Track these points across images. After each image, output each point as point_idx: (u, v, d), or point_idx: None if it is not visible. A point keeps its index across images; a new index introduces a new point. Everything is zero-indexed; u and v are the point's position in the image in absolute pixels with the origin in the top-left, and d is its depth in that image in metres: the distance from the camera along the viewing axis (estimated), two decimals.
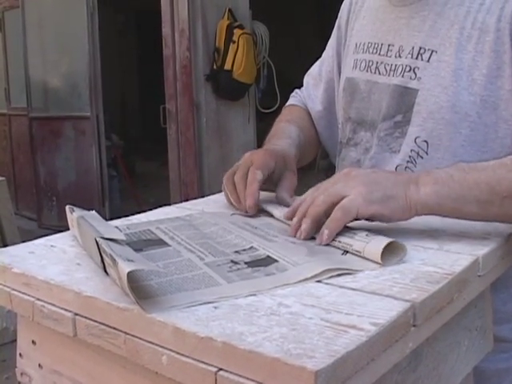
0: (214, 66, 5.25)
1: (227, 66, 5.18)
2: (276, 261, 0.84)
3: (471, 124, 1.11)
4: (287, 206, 1.08)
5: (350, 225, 0.92)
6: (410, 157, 1.16)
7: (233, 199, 1.15)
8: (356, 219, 0.92)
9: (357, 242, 0.88)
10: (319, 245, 0.91)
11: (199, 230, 1.01)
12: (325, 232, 0.91)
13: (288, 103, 1.57)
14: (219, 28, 5.24)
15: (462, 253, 0.87)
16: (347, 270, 0.81)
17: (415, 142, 1.16)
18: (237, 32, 5.19)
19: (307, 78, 1.55)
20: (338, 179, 0.97)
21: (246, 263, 0.84)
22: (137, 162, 9.38)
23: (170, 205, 1.26)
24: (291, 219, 0.98)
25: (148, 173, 9.38)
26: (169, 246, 0.93)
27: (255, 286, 0.76)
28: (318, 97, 1.49)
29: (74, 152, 6.48)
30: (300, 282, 0.78)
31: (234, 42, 5.15)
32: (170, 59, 5.33)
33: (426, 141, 1.15)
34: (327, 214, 0.93)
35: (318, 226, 0.94)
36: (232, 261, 0.85)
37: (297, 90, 1.59)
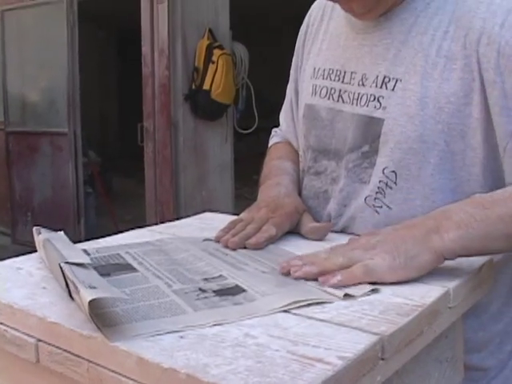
0: (193, 86, 5.25)
1: (206, 86, 5.18)
2: (244, 290, 0.83)
3: (440, 153, 1.10)
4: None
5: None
6: (378, 188, 1.15)
7: (232, 229, 1.11)
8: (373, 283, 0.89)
9: None
10: (322, 286, 0.87)
11: (169, 255, 1.00)
12: (337, 277, 0.87)
13: (271, 143, 1.56)
14: (199, 48, 5.25)
15: (433, 284, 0.87)
16: (316, 300, 0.80)
17: (383, 172, 1.14)
18: (216, 52, 5.19)
19: (282, 115, 1.54)
20: (357, 247, 0.93)
21: (214, 291, 0.83)
22: (114, 179, 9.34)
23: (144, 226, 1.24)
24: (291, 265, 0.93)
25: (125, 190, 9.35)
26: (137, 271, 0.91)
27: (222, 315, 0.75)
28: (292, 128, 1.48)
29: (50, 168, 6.44)
30: (268, 313, 0.77)
31: (213, 62, 5.15)
32: (149, 78, 5.32)
33: (394, 171, 1.13)
34: None
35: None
36: (200, 288, 0.84)
37: (275, 129, 1.58)
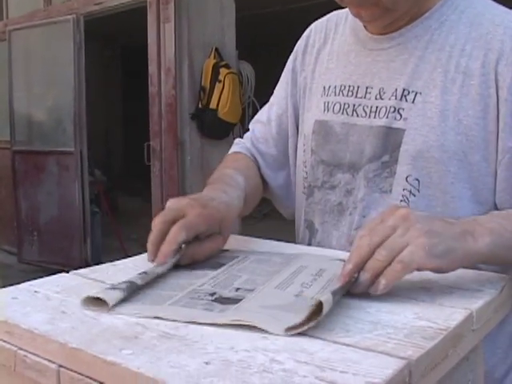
0: (200, 105, 5.27)
1: (212, 105, 5.19)
2: (237, 302, 0.84)
3: (459, 162, 1.14)
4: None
5: None
6: (403, 196, 1.18)
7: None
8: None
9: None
10: (374, 293, 0.87)
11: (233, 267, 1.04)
12: (381, 282, 0.86)
13: (232, 150, 1.54)
14: (205, 67, 5.27)
15: (455, 306, 0.86)
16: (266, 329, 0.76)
17: (407, 180, 1.18)
18: (223, 71, 5.21)
19: (254, 125, 1.54)
20: (396, 223, 0.90)
21: (218, 298, 0.86)
22: (119, 198, 9.35)
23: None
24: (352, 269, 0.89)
25: (131, 209, 9.35)
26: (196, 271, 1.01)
27: (190, 316, 0.79)
28: (269, 140, 1.48)
29: (56, 187, 6.45)
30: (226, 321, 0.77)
31: (219, 81, 5.17)
32: (156, 97, 5.34)
33: (417, 179, 1.17)
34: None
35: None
36: (212, 293, 0.88)
37: (239, 139, 1.57)
